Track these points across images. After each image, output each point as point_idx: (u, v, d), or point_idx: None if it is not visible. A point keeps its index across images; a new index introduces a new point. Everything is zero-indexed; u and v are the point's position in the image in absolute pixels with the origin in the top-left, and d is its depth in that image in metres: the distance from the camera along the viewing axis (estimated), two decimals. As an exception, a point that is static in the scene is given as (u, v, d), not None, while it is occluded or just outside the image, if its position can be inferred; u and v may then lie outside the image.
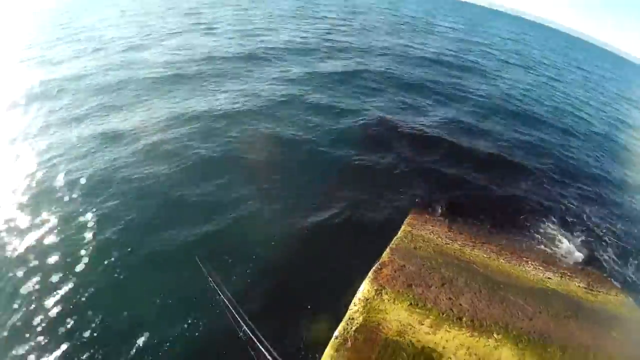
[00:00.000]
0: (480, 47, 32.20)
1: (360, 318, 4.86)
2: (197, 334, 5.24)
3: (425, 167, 9.92)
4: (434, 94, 15.78)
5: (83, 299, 5.74)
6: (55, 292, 5.80)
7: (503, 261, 6.82)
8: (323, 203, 7.96)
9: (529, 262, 6.99)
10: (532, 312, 5.64)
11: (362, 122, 11.66)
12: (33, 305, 5.62)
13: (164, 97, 12.33)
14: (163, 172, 8.37)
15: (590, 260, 7.62)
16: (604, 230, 8.95)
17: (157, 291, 5.84)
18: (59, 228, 6.97)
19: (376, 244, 6.44)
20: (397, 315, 5.01)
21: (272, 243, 6.82)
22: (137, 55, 17.00)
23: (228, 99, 12.09)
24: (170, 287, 5.93)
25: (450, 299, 5.49)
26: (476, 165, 10.47)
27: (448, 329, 4.99)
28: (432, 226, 7.41)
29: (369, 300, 5.14)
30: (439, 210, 8.10)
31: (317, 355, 4.41)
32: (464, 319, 5.20)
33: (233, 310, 4.31)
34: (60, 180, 8.13)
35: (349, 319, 4.86)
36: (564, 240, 8.03)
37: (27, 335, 5.23)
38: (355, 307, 5.04)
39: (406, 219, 7.45)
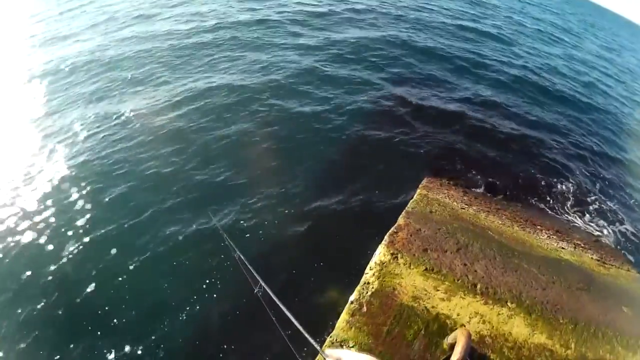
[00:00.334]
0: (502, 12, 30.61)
1: (376, 283, 4.81)
2: (214, 289, 5.32)
3: (441, 135, 9.68)
4: (451, 63, 15.01)
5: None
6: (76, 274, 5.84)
7: (517, 228, 6.75)
8: (338, 173, 7.85)
9: (543, 231, 6.92)
10: (545, 282, 5.61)
11: (378, 94, 11.19)
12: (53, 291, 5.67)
13: (177, 71, 11.79)
14: (179, 151, 8.14)
15: (605, 233, 7.59)
16: (620, 205, 8.86)
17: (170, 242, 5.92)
18: (63, 211, 6.91)
19: (392, 210, 6.37)
20: (413, 281, 4.97)
21: (287, 212, 6.79)
22: (147, 27, 16.21)
23: (241, 71, 11.44)
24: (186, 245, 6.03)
25: (465, 265, 5.44)
26: (494, 133, 10.24)
27: (463, 296, 4.96)
28: (447, 190, 7.29)
29: (384, 264, 5.08)
30: (455, 175, 7.97)
31: (332, 322, 4.38)
32: (479, 286, 5.17)
33: (249, 266, 4.23)
34: (72, 164, 7.95)
35: (365, 283, 4.81)
36: (579, 211, 7.94)
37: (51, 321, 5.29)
38: (371, 271, 4.98)
39: (422, 183, 7.32)
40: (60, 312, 5.38)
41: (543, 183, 8.54)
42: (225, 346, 5.13)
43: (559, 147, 10.56)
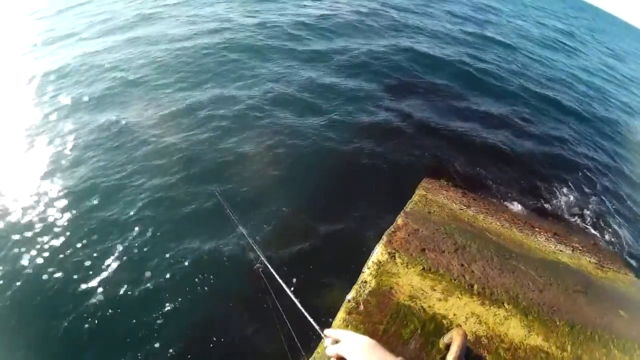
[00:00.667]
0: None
1: (373, 282, 4.82)
2: (214, 260, 5.47)
3: (441, 135, 9.67)
4: (454, 70, 14.90)
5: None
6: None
7: (516, 230, 6.76)
8: (339, 175, 7.89)
9: (542, 233, 6.93)
10: (542, 284, 5.62)
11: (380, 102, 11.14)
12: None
13: (181, 82, 11.29)
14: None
15: (603, 236, 7.60)
16: (621, 208, 8.87)
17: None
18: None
19: (391, 209, 6.39)
20: (410, 280, 4.98)
21: (290, 206, 6.83)
22: (150, 29, 15.73)
23: (252, 84, 11.22)
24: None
25: (462, 265, 5.46)
26: (494, 134, 10.25)
27: (459, 296, 4.97)
28: (446, 191, 7.30)
29: (382, 264, 5.09)
30: (454, 176, 7.98)
31: (329, 320, 4.40)
32: (476, 286, 5.18)
33: (251, 242, 4.31)
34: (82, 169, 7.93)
35: (362, 282, 4.82)
36: (579, 214, 7.96)
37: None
38: (368, 270, 4.99)
39: (421, 183, 7.33)
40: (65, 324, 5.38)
41: (543, 186, 8.56)
42: (222, 325, 5.19)
43: (560, 152, 10.59)
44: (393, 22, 18.55)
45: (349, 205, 7.00)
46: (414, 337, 4.30)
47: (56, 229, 6.36)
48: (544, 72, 17.94)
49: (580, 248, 6.87)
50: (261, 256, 3.92)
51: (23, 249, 5.91)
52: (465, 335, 3.99)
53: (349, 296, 4.63)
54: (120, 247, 6.05)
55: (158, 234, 6.28)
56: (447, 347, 3.99)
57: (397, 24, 18.41)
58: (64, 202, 6.87)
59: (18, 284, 5.51)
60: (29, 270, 5.66)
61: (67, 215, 6.63)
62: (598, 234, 7.44)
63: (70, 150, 8.17)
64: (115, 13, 17.33)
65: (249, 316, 5.19)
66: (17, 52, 13.91)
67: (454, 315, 4.76)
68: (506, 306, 5.06)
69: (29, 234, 6.22)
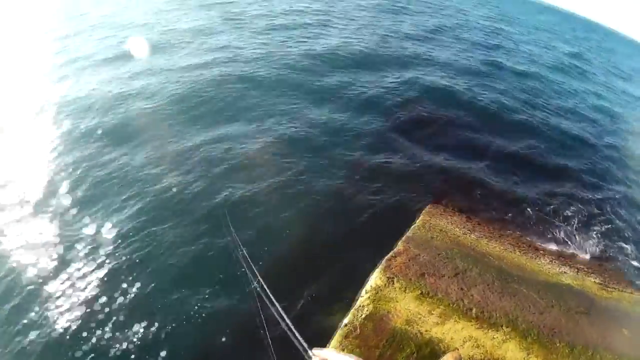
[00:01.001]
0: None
1: (370, 306, 5.02)
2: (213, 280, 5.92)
3: (445, 161, 9.76)
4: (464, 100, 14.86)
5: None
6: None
7: (519, 254, 6.84)
8: (342, 193, 8.09)
9: (546, 256, 6.99)
10: (543, 306, 5.69)
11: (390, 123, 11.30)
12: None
13: (189, 117, 10.75)
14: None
15: (608, 257, 7.56)
16: (625, 229, 8.80)
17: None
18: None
19: (392, 234, 6.58)
20: (407, 305, 5.15)
21: (289, 230, 7.05)
22: (167, 61, 14.90)
23: (261, 117, 10.92)
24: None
25: (462, 289, 5.59)
26: (498, 159, 10.31)
27: (457, 320, 5.10)
28: (450, 216, 7.46)
29: (380, 288, 5.29)
30: (459, 201, 8.12)
31: (325, 344, 4.58)
32: (474, 310, 5.30)
33: (250, 262, 4.59)
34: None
35: (359, 306, 5.03)
36: (583, 235, 7.95)
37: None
38: (366, 294, 5.20)
39: (425, 209, 7.51)
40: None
41: (548, 208, 8.58)
42: (215, 341, 5.36)
43: (566, 174, 10.53)
44: (402, 52, 18.50)
45: (351, 234, 7.15)
46: (409, 361, 4.47)
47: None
48: (553, 99, 17.75)
49: (585, 269, 6.88)
50: (258, 276, 4.18)
51: (15, 299, 6.10)
52: (460, 358, 4.16)
53: (346, 320, 4.85)
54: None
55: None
56: (440, 369, 4.15)
57: (406, 54, 18.32)
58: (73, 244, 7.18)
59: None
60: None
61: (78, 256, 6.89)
62: (603, 254, 7.40)
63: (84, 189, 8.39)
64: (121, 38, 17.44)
65: (239, 331, 5.34)
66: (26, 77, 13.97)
67: (451, 339, 4.90)
68: (505, 329, 5.16)
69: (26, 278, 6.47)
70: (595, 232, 8.23)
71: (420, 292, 5.37)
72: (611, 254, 7.70)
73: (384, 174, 8.84)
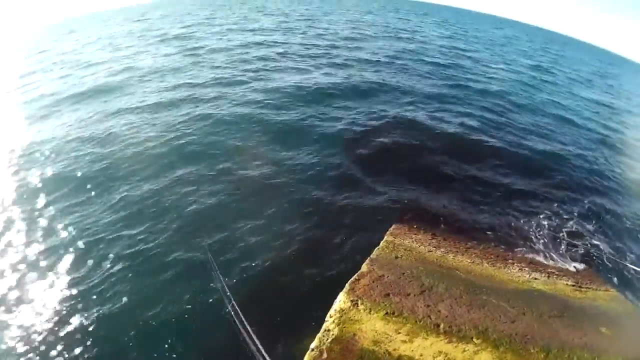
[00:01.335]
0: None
1: (336, 329, 4.84)
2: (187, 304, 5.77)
3: (409, 188, 9.75)
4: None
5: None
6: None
7: (487, 265, 6.76)
8: (308, 217, 8.05)
9: (515, 264, 6.92)
10: (515, 314, 5.55)
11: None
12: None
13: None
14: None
15: (580, 258, 7.52)
16: (595, 227, 8.84)
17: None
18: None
19: (357, 258, 6.51)
20: (373, 325, 4.98)
21: (264, 254, 6.99)
22: (125, 102, 15.04)
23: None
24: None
25: (428, 306, 5.45)
26: (463, 182, 10.38)
27: (425, 337, 4.94)
28: (415, 235, 7.40)
29: (344, 311, 5.13)
30: (423, 219, 8.09)
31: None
32: (442, 325, 5.15)
33: (225, 286, 4.48)
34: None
35: (325, 330, 4.85)
36: (553, 239, 7.94)
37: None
38: (330, 318, 5.04)
39: (389, 230, 7.45)
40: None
41: (516, 217, 8.57)
42: None
43: (533, 186, 10.63)
44: (362, 80, 18.43)
45: (318, 256, 7.01)
46: (377, 382, 4.25)
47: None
48: (517, 114, 18.15)
49: (557, 273, 6.80)
50: (232, 300, 4.03)
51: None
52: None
53: (313, 345, 4.64)
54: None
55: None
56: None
57: (366, 82, 18.22)
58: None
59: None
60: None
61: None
62: (575, 255, 7.33)
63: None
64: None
65: (212, 356, 5.20)
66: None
67: (421, 355, 4.70)
68: (475, 341, 4.98)
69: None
70: (565, 233, 8.24)
71: (385, 312, 5.21)
72: (583, 255, 7.67)
73: (347, 206, 8.79)
